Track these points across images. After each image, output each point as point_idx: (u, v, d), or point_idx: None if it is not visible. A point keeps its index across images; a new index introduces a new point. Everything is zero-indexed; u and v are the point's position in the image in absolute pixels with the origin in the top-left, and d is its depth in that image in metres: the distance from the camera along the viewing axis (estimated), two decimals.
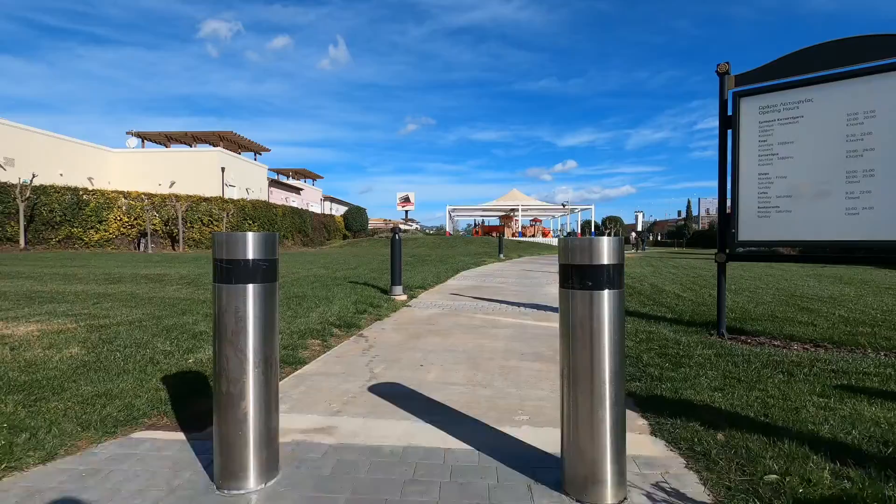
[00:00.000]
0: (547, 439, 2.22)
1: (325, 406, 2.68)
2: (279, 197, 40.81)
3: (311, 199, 48.92)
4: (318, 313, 5.30)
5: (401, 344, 4.32)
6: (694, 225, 77.15)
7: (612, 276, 1.70)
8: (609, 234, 52.71)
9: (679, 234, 74.60)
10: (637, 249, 39.18)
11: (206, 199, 25.38)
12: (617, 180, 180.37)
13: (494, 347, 4.23)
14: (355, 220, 41.76)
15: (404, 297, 7.10)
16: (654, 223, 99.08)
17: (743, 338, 4.59)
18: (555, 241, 49.28)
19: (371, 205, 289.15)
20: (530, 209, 54.95)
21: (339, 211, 51.60)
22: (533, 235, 53.57)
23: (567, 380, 1.75)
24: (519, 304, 6.83)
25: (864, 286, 9.10)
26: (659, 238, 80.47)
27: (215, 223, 25.11)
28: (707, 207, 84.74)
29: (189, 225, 24.66)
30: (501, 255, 18.71)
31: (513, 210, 53.59)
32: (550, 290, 8.59)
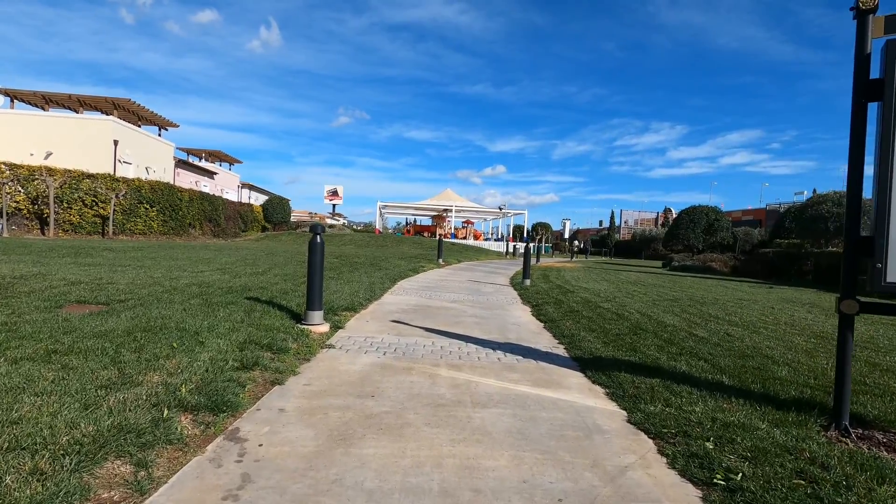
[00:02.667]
0: None
1: None
2: (188, 180, 36.08)
3: (226, 184, 44.17)
4: (163, 373, 2.94)
5: (310, 468, 2.12)
6: (616, 235, 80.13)
7: None
8: (578, 244, 52.91)
9: (602, 244, 77.11)
10: (586, 256, 42.03)
11: (90, 176, 21.08)
12: (543, 188, 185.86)
13: (497, 476, 2.15)
14: (276, 210, 37.96)
15: (325, 329, 4.85)
16: (578, 231, 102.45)
17: (874, 434, 2.88)
18: (487, 245, 48.41)
19: (298, 196, 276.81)
20: (464, 210, 53.68)
21: (259, 200, 47.13)
22: (465, 238, 52.32)
23: None
24: (493, 345, 4.83)
25: None
26: (582, 245, 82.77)
27: (101, 205, 20.93)
28: (626, 219, 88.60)
29: (66, 205, 20.33)
30: (440, 260, 16.77)
31: (446, 210, 52.00)
32: (519, 317, 6.71)
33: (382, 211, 54.92)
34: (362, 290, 7.57)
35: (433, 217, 59.11)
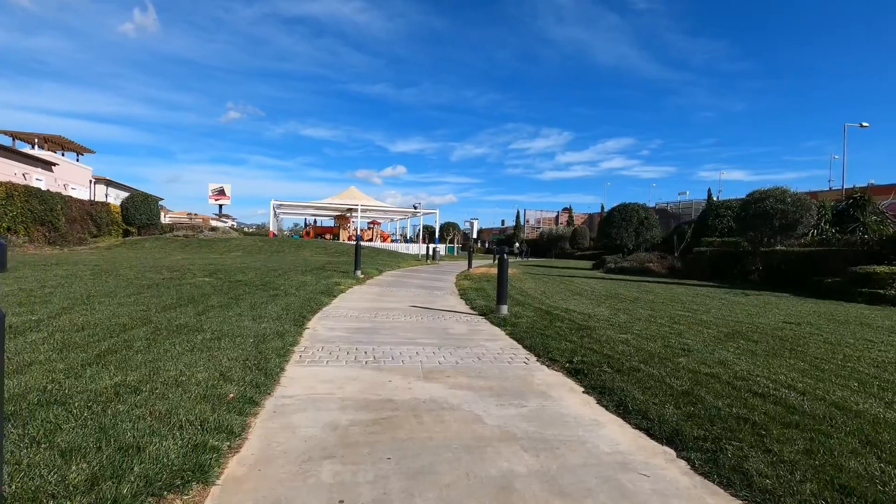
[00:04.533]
0: None
1: None
2: (10, 171, 27.80)
3: (72, 179, 35.53)
4: None
5: None
6: (521, 234, 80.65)
7: None
8: (520, 245, 50.23)
9: (509, 243, 77.10)
10: (523, 258, 39.18)
11: None
12: (443, 189, 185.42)
13: None
14: (139, 210, 30.79)
15: None
16: (481, 231, 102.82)
17: None
18: (397, 247, 44.52)
19: (180, 196, 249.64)
20: (370, 210, 49.30)
21: (122, 199, 38.66)
22: (371, 240, 48.01)
23: None
24: None
25: None
26: (486, 245, 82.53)
27: None
28: (528, 219, 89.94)
29: None
30: (358, 273, 12.77)
31: (350, 210, 47.27)
32: (613, 439, 3.20)
33: (277, 211, 48.64)
34: (243, 373, 3.56)
35: (336, 217, 53.86)
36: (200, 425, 2.52)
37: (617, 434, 2.91)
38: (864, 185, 29.27)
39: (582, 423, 3.05)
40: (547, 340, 5.32)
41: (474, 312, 7.78)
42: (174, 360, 3.64)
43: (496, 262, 27.31)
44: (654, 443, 2.80)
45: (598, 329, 6.06)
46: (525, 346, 5.23)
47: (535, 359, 4.75)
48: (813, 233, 19.39)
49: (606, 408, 3.36)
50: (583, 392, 3.73)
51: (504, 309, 7.27)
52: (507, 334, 5.93)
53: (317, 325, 5.88)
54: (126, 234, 32.16)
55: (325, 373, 3.91)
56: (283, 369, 3.89)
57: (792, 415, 3.10)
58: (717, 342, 5.55)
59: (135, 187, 42.34)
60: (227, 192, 63.70)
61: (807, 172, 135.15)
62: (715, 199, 46.06)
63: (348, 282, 11.09)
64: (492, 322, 6.78)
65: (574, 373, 4.18)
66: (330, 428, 2.78)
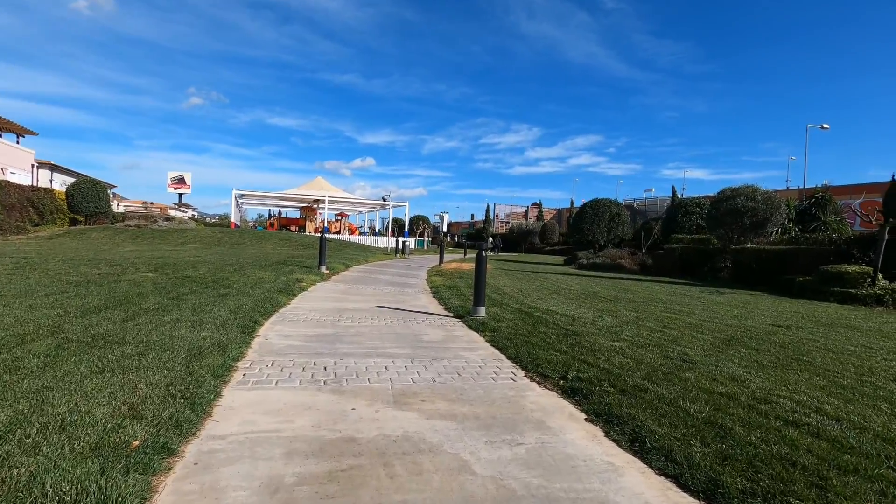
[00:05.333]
0: None
1: None
2: None
3: (11, 162, 32.86)
4: None
5: None
6: (491, 228, 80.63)
7: None
8: (493, 240, 49.33)
9: (479, 237, 77.10)
10: (495, 252, 38.60)
11: None
12: (412, 182, 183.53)
13: None
14: (86, 197, 28.70)
15: None
16: (451, 224, 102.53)
17: None
18: (365, 240, 43.37)
19: (138, 185, 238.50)
20: (338, 201, 47.94)
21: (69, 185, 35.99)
22: (339, 232, 46.73)
23: None
24: None
25: None
26: (456, 239, 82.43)
27: None
28: (497, 213, 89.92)
29: None
30: (323, 268, 11.91)
31: (317, 201, 45.81)
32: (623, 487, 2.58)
33: (240, 201, 46.69)
34: (155, 397, 2.78)
35: (302, 209, 52.17)
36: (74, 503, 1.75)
37: (640, 485, 2.30)
38: (821, 185, 30.17)
39: (595, 469, 2.43)
40: (534, 350, 4.71)
41: (449, 314, 7.12)
42: (72, 388, 2.83)
43: (467, 256, 26.71)
44: (689, 499, 2.20)
45: (587, 335, 5.50)
46: (509, 357, 4.60)
47: (522, 373, 4.12)
48: (777, 231, 19.64)
49: (618, 443, 2.76)
50: (585, 420, 3.12)
51: (482, 311, 6.64)
52: (487, 341, 5.30)
53: (270, 332, 5.09)
54: (73, 223, 29.97)
55: (272, 398, 3.16)
56: (218, 395, 3.12)
57: (842, 453, 2.57)
58: (716, 350, 5.07)
59: (83, 173, 39.63)
60: (188, 180, 60.83)
61: (763, 173, 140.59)
62: (679, 196, 46.90)
63: (311, 278, 10.24)
64: (469, 326, 6.13)
65: (571, 393, 3.57)
66: (269, 490, 2.06)
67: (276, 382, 3.48)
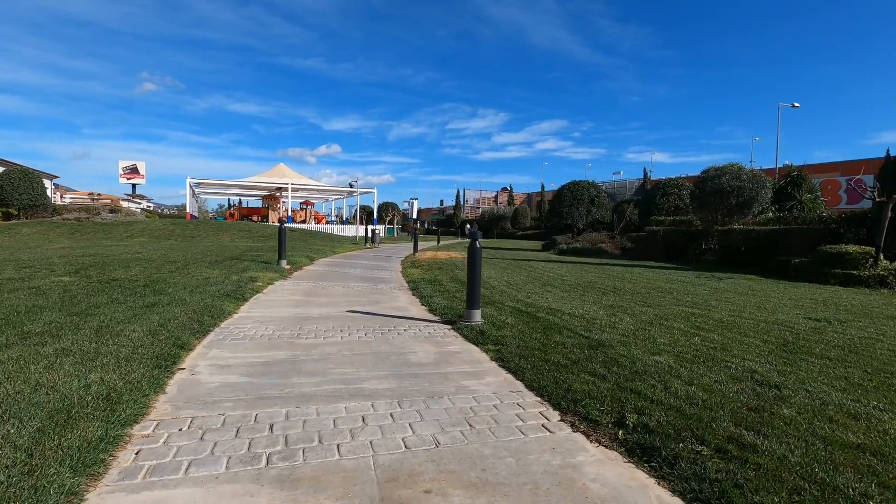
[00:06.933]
0: None
1: None
2: None
3: None
4: None
5: None
6: (461, 214, 79.52)
7: None
8: (469, 226, 47.52)
9: (449, 223, 75.98)
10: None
11: None
12: (379, 168, 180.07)
13: None
14: (17, 189, 25.90)
15: None
16: (420, 211, 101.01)
17: None
18: (332, 229, 41.46)
19: (88, 176, 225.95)
20: (302, 189, 45.72)
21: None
22: (304, 221, 44.63)
23: None
24: None
25: None
26: (426, 225, 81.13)
27: None
28: (467, 199, 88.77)
29: None
30: (283, 263, 10.44)
31: (280, 189, 43.52)
32: None
33: (196, 190, 43.90)
34: None
35: (264, 198, 49.68)
36: None
37: None
38: (786, 164, 30.20)
39: None
40: (559, 373, 3.53)
41: (435, 318, 5.88)
42: None
43: (441, 244, 25.36)
44: None
45: (615, 345, 4.37)
46: (530, 386, 3.40)
47: (556, 415, 2.93)
48: (757, 211, 19.18)
49: None
50: None
51: (477, 315, 5.42)
52: (492, 359, 4.09)
53: (200, 362, 3.72)
54: (7, 217, 27.07)
55: None
56: None
57: None
58: (781, 362, 4.01)
59: (17, 162, 36.08)
60: (142, 170, 57.11)
61: (720, 155, 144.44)
62: (650, 178, 46.83)
63: (269, 276, 8.78)
64: (465, 336, 4.90)
65: (642, 454, 2.40)
66: None
67: (187, 469, 2.16)
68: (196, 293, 6.32)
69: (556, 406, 3.06)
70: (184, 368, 3.53)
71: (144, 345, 3.80)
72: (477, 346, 4.54)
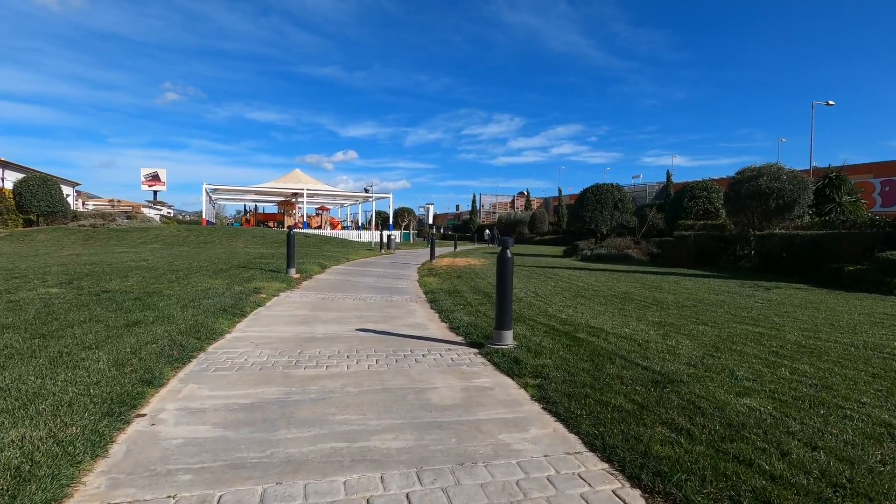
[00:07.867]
0: None
1: None
2: None
3: None
4: None
5: None
6: (477, 219, 78.70)
7: None
8: (488, 231, 46.97)
9: (465, 228, 75.30)
10: (492, 244, 36.58)
11: None
12: (395, 174, 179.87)
13: None
14: (36, 196, 25.90)
15: None
16: (436, 216, 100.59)
17: None
18: (347, 235, 40.96)
19: (113, 183, 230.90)
20: (317, 195, 45.35)
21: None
22: (320, 227, 44.20)
23: None
24: None
25: None
26: (442, 230, 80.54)
27: None
28: (483, 204, 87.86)
29: None
30: (292, 271, 9.75)
31: (296, 194, 43.21)
32: None
33: (212, 196, 43.89)
34: None
35: (280, 203, 49.47)
36: None
37: None
38: (814, 166, 28.71)
39: None
40: (629, 426, 2.69)
41: (459, 339, 5.06)
42: None
43: (458, 250, 24.59)
44: None
45: (688, 381, 3.50)
46: (591, 446, 2.56)
47: (637, 494, 2.09)
48: (799, 213, 17.96)
49: None
50: None
51: (509, 337, 4.59)
52: (534, 398, 3.26)
53: (167, 405, 2.96)
54: (29, 223, 27.13)
55: None
56: None
57: None
58: None
59: (37, 169, 36.40)
60: (163, 177, 57.63)
61: (739, 158, 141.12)
62: (672, 181, 45.50)
63: (274, 286, 8.07)
64: (495, 364, 4.07)
65: None
66: None
67: None
68: (189, 308, 5.62)
69: (633, 481, 2.21)
70: (144, 415, 2.77)
71: (102, 381, 3.06)
72: (512, 378, 3.71)
